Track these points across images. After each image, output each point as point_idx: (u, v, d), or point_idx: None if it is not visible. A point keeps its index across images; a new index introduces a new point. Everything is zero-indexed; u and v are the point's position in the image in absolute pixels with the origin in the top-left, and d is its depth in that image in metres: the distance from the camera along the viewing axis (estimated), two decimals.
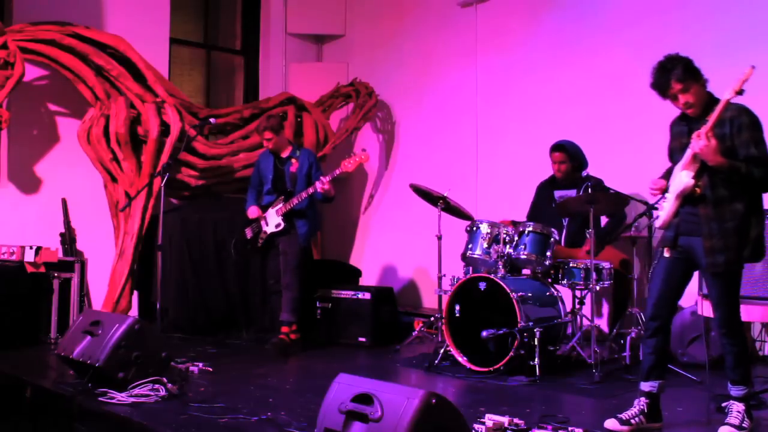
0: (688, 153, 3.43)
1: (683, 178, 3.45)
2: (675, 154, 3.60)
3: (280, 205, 5.73)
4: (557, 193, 5.70)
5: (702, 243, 3.42)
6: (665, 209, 3.55)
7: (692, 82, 3.43)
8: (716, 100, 3.41)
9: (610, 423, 3.52)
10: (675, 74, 3.42)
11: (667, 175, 3.65)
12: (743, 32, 5.40)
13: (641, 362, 3.69)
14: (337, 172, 5.56)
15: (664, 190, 3.59)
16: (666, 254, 3.59)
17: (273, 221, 5.78)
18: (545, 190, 5.82)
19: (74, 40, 6.42)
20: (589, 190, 4.99)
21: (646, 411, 3.56)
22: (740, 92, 3.28)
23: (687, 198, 3.46)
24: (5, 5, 6.77)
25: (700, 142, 3.30)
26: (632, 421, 3.52)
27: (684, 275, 3.60)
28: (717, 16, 5.56)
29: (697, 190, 3.42)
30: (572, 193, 5.57)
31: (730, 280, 3.46)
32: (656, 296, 3.59)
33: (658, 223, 3.63)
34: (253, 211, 5.91)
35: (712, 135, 3.31)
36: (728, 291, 3.47)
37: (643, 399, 3.59)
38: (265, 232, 5.84)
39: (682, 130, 3.57)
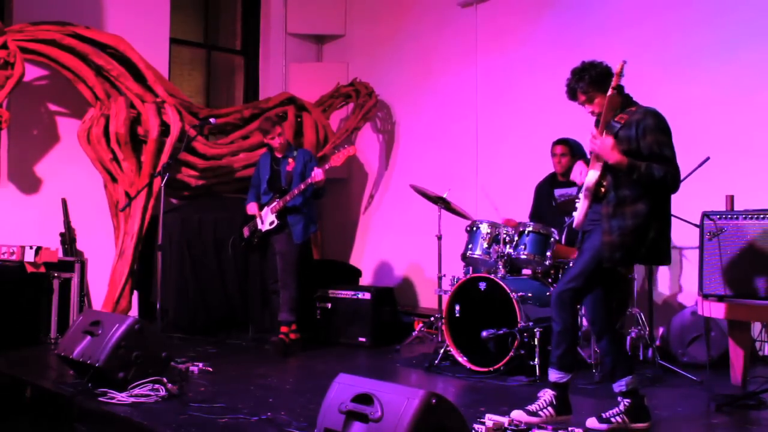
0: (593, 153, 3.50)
1: (591, 177, 3.50)
2: None
3: (275, 203, 5.74)
4: (557, 192, 5.70)
5: (601, 237, 3.46)
6: (579, 209, 3.57)
7: (596, 93, 3.55)
8: (633, 103, 3.54)
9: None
10: (580, 86, 3.57)
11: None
12: (742, 32, 5.40)
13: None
14: (327, 166, 5.57)
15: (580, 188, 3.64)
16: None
17: (268, 219, 5.79)
18: (544, 188, 5.81)
19: (74, 40, 6.42)
20: None
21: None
22: (617, 87, 3.40)
23: (594, 197, 3.49)
24: (5, 5, 6.78)
25: (596, 141, 3.40)
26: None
27: (602, 273, 3.58)
28: (716, 16, 5.56)
29: (602, 189, 3.47)
30: (572, 191, 5.57)
31: (611, 273, 3.50)
32: (586, 301, 3.62)
33: (574, 224, 3.64)
34: (252, 207, 5.93)
35: (605, 133, 3.40)
36: (591, 275, 3.48)
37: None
38: (261, 230, 5.85)
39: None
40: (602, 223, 3.46)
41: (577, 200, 3.60)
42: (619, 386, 3.56)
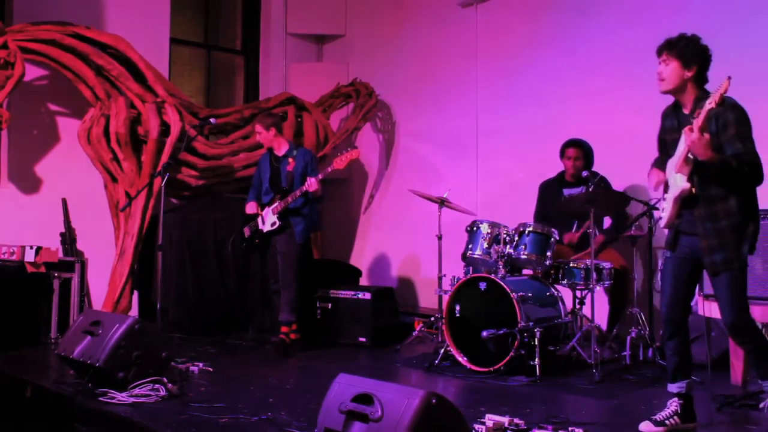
0: (680, 153, 3.42)
1: (678, 181, 3.45)
2: (668, 147, 3.59)
3: (276, 204, 5.74)
4: (566, 192, 5.68)
5: (699, 242, 3.43)
6: (666, 211, 3.54)
7: (675, 59, 3.45)
8: (707, 96, 3.37)
9: (645, 426, 3.50)
10: (666, 42, 3.48)
11: (658, 163, 3.65)
12: (742, 33, 5.39)
13: (666, 365, 3.66)
14: (329, 169, 5.58)
15: (665, 185, 3.57)
16: (668, 255, 3.59)
17: (269, 220, 5.79)
18: (552, 188, 5.79)
19: (74, 40, 6.42)
20: (591, 187, 4.98)
21: (679, 411, 3.53)
22: (721, 103, 3.26)
23: (685, 200, 3.46)
24: (6, 5, 6.77)
25: (693, 135, 3.28)
26: (667, 422, 3.50)
27: (691, 274, 3.58)
28: (717, 17, 5.56)
29: (693, 190, 3.42)
30: (581, 191, 5.57)
31: (733, 279, 3.42)
32: (667, 298, 3.58)
33: (661, 224, 3.63)
34: (251, 207, 5.92)
35: (705, 128, 3.29)
36: (732, 289, 3.42)
37: (675, 400, 3.57)
38: (262, 231, 5.84)
39: (672, 124, 3.57)
40: (697, 227, 3.42)
41: (663, 200, 3.57)
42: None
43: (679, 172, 3.45)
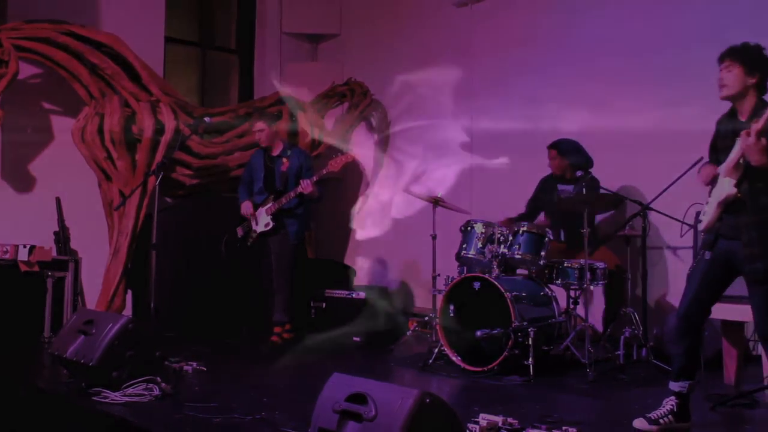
0: (732, 158, 3.39)
1: (725, 186, 3.42)
2: (719, 153, 3.55)
3: (270, 204, 5.73)
4: (560, 187, 5.74)
5: (742, 249, 3.39)
6: (708, 214, 3.51)
7: (738, 65, 3.43)
8: (766, 105, 3.36)
9: (639, 422, 3.50)
10: (730, 49, 3.45)
11: (713, 161, 3.61)
12: (741, 33, 5.39)
13: (672, 362, 3.65)
14: (324, 171, 5.58)
15: (713, 180, 3.53)
16: (706, 257, 3.55)
17: (263, 221, 5.78)
18: (549, 182, 5.85)
19: (69, 39, 6.41)
20: (583, 190, 5.00)
21: (675, 411, 3.53)
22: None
23: (729, 205, 3.43)
24: (0, 3, 6.75)
25: (749, 139, 3.24)
26: (661, 420, 3.50)
27: (723, 279, 3.55)
28: (716, 18, 5.57)
29: (738, 196, 3.39)
30: (570, 188, 5.61)
31: (728, 279, 3.42)
32: (690, 297, 3.56)
33: (701, 227, 3.59)
34: (246, 206, 5.90)
35: (764, 134, 3.23)
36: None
37: (672, 399, 3.56)
38: (255, 231, 5.83)
39: (728, 130, 3.52)
40: (742, 234, 3.39)
41: (706, 203, 3.55)
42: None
43: (727, 176, 3.41)
